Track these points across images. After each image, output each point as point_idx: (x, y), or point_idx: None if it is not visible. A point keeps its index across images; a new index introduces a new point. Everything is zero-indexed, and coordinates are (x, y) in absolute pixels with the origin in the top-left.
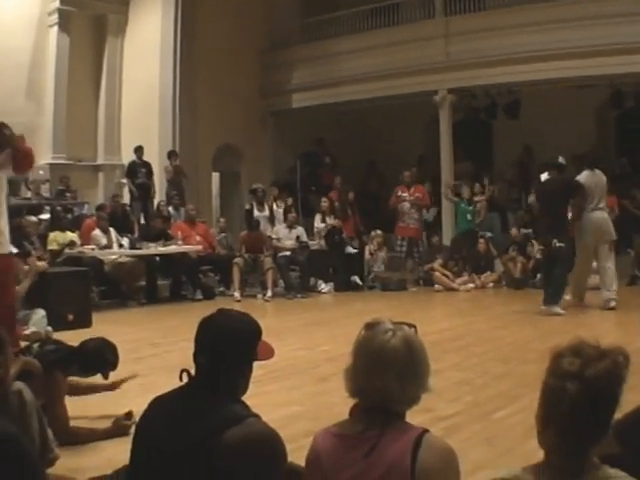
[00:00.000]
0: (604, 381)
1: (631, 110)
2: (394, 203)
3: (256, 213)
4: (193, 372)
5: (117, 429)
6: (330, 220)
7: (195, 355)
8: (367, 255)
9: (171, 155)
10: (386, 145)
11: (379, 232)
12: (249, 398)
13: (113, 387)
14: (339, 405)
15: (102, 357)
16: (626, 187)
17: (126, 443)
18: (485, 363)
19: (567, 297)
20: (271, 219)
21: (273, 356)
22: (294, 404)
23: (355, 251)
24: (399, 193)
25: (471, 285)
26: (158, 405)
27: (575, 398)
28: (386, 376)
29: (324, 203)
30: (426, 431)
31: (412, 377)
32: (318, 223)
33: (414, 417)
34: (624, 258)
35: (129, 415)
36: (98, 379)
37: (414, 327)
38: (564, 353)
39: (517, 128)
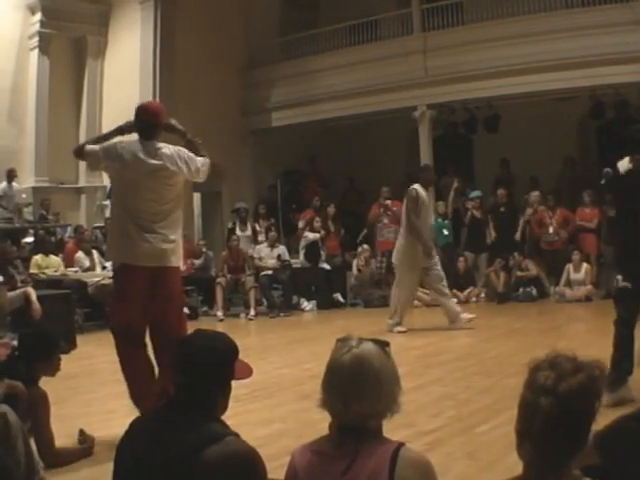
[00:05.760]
0: (578, 396)
1: (612, 121)
2: (373, 219)
3: (238, 232)
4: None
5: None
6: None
7: (173, 375)
8: (355, 271)
9: None
10: (367, 161)
11: (366, 247)
12: (233, 416)
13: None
14: (322, 422)
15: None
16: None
17: (109, 464)
18: (468, 377)
19: None
20: (254, 238)
21: (251, 375)
22: (277, 422)
23: (329, 268)
24: (383, 204)
25: (454, 300)
26: (138, 425)
27: (549, 413)
28: (333, 393)
29: (316, 223)
30: (402, 445)
31: (356, 394)
32: (307, 235)
33: (396, 432)
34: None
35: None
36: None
37: (386, 344)
38: (541, 366)
39: (498, 142)
